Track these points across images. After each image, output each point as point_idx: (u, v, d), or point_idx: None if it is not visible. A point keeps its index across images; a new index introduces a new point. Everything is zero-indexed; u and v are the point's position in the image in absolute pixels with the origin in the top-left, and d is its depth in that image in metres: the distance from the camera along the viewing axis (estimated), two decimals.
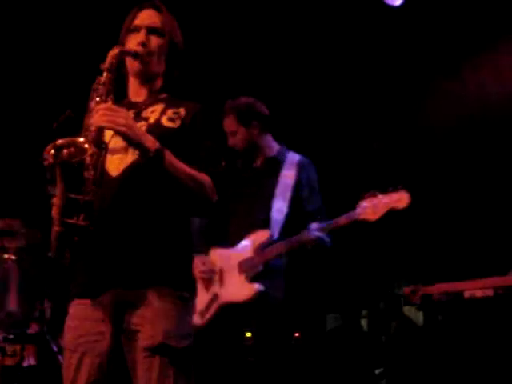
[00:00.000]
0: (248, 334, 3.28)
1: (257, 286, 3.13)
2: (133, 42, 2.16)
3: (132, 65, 2.17)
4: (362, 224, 3.03)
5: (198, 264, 3.32)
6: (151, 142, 1.94)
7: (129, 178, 2.02)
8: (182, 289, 2.01)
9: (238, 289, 3.20)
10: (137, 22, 2.21)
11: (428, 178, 4.95)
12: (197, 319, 3.23)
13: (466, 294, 2.59)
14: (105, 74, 2.03)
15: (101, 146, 1.96)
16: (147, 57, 2.14)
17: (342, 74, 5.21)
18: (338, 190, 4.75)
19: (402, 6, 4.63)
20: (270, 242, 3.21)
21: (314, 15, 4.88)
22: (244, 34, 4.89)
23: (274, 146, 3.44)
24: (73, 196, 1.87)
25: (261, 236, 3.23)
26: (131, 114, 2.11)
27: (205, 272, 3.32)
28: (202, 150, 2.11)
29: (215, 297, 3.28)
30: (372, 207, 2.93)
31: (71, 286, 2.08)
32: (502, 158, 4.57)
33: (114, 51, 2.07)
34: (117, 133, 1.93)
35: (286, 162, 3.35)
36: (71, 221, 1.86)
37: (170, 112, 2.14)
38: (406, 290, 2.80)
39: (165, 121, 2.12)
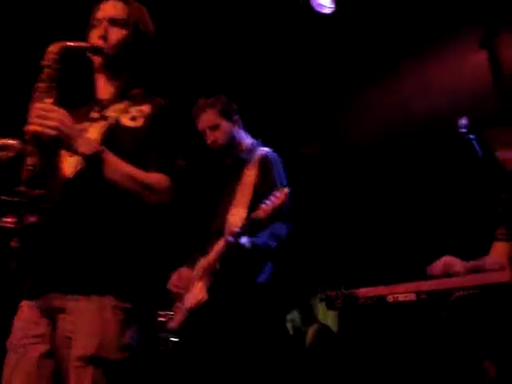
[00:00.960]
0: None
1: (204, 295, 3.10)
2: (94, 36, 2.09)
3: (95, 60, 2.10)
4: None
5: (174, 278, 3.33)
6: (86, 146, 1.85)
7: (78, 180, 1.96)
8: (126, 299, 1.93)
9: (193, 295, 3.18)
10: (99, 14, 2.13)
11: (351, 187, 5.03)
12: (172, 325, 3.26)
13: (390, 298, 2.61)
14: (45, 71, 1.94)
15: (41, 147, 1.85)
16: (108, 50, 2.06)
17: (268, 80, 5.23)
18: None
19: (331, 14, 4.68)
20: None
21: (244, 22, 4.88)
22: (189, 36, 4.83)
23: (247, 143, 3.44)
24: (4, 198, 1.81)
25: (220, 244, 3.15)
26: (96, 112, 2.05)
27: (177, 287, 3.28)
28: (161, 149, 2.04)
29: (182, 304, 3.26)
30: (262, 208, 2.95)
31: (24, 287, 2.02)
32: (425, 168, 4.70)
33: (54, 47, 1.97)
34: (47, 136, 1.83)
35: (250, 160, 3.31)
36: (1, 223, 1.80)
37: (133, 110, 2.08)
38: (329, 294, 2.81)
39: (126, 120, 2.06)
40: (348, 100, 5.07)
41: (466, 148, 2.75)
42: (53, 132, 1.82)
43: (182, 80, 4.84)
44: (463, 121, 2.78)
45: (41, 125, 1.82)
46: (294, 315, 5.90)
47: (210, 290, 3.15)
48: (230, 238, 3.00)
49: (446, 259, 2.77)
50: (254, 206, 3.13)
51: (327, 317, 5.77)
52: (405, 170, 4.77)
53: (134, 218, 2.01)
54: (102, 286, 1.91)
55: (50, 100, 1.90)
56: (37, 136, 1.84)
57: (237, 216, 3.15)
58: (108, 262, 1.93)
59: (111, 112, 2.09)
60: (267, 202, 2.96)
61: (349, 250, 5.08)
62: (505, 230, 3.14)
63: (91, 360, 1.83)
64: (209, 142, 3.41)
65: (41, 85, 1.92)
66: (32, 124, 1.83)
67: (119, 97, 2.14)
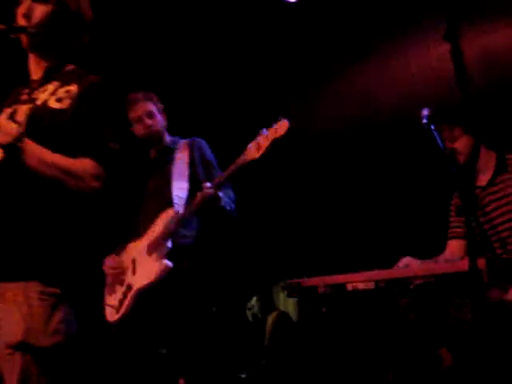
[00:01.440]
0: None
1: (165, 261, 3.08)
2: (18, 15, 2.01)
3: (23, 40, 2.02)
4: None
5: (107, 261, 3.34)
6: (2, 136, 1.78)
7: (0, 168, 1.90)
8: (53, 284, 1.89)
9: (149, 269, 3.14)
10: None
11: (315, 175, 5.05)
12: (110, 316, 3.22)
13: (349, 287, 2.64)
14: None
15: None
16: (32, 29, 1.97)
17: (232, 71, 5.21)
18: None
19: (297, 2, 4.67)
20: (178, 218, 3.17)
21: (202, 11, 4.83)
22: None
23: (169, 138, 3.57)
24: None
25: (166, 214, 3.22)
26: (25, 95, 1.99)
27: (113, 267, 3.26)
28: (90, 132, 1.96)
29: (129, 288, 3.21)
30: (256, 145, 2.91)
31: None
32: (389, 158, 4.74)
33: None
34: None
35: (177, 148, 3.45)
36: None
37: (61, 91, 2.00)
38: (290, 282, 2.82)
39: (52, 102, 1.98)
40: (314, 89, 5.06)
41: (429, 138, 2.78)
42: None
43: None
44: (425, 112, 2.81)
45: None
46: (253, 303, 5.93)
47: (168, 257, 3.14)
48: (210, 189, 2.98)
49: (406, 260, 2.82)
50: (193, 183, 3.24)
51: (288, 305, 5.80)
52: (369, 160, 4.80)
53: (58, 205, 1.95)
54: (27, 271, 1.87)
55: None
56: None
57: (180, 189, 3.24)
58: (32, 247, 1.89)
59: (41, 93, 2.02)
60: (263, 135, 2.89)
61: (310, 238, 5.11)
62: (460, 227, 3.21)
63: (19, 347, 1.80)
64: (146, 126, 3.45)
65: None
66: None
67: (49, 77, 2.06)
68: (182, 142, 3.49)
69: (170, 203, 3.23)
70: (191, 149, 3.42)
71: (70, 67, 2.12)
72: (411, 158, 4.46)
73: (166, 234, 3.15)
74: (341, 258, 4.58)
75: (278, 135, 2.87)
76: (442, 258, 3.18)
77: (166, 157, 3.45)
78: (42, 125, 1.93)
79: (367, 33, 4.61)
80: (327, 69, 4.92)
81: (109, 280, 3.35)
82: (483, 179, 3.16)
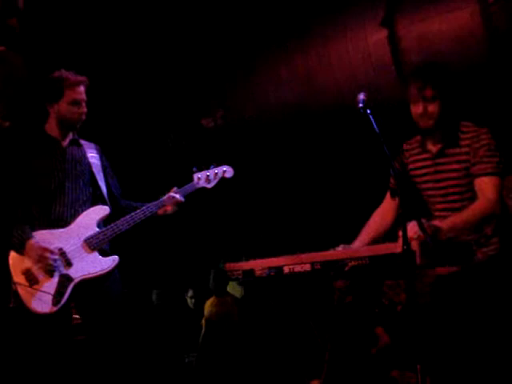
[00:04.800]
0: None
1: (115, 257, 3.30)
2: None
3: None
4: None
5: (37, 247, 3.21)
6: None
7: None
8: None
9: (95, 263, 3.25)
10: None
11: (253, 162, 5.06)
12: (48, 306, 3.14)
13: (286, 269, 2.66)
14: None
15: None
16: None
17: (169, 47, 5.15)
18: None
19: None
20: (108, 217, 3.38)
21: None
22: None
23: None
24: None
25: (101, 211, 3.37)
26: None
27: (41, 254, 3.20)
28: None
29: (66, 278, 3.19)
30: (206, 177, 3.58)
31: None
32: (327, 141, 4.79)
33: None
34: None
35: (83, 145, 3.52)
36: None
37: None
38: (228, 265, 2.83)
39: None
40: (249, 73, 5.05)
41: (365, 122, 2.81)
42: None
43: None
44: (361, 96, 2.83)
45: None
46: (191, 292, 6.03)
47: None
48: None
49: (342, 247, 2.86)
50: (107, 186, 3.54)
51: (235, 287, 5.84)
52: (307, 144, 4.84)
53: None
54: None
55: None
56: None
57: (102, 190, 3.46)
58: None
59: None
60: (213, 171, 3.62)
61: (248, 222, 5.13)
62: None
63: None
64: (83, 112, 3.44)
65: None
66: None
67: None
68: (86, 143, 3.55)
69: (98, 197, 3.43)
70: (100, 153, 3.59)
71: None
72: (349, 143, 4.52)
73: (113, 234, 3.33)
74: (277, 240, 4.62)
75: (226, 176, 3.62)
76: (376, 217, 3.24)
77: (78, 149, 3.50)
78: None
79: (308, 16, 4.62)
80: (266, 52, 4.91)
81: (28, 265, 3.23)
82: (434, 146, 3.14)
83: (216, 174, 3.61)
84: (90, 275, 3.23)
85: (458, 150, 3.04)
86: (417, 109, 3.05)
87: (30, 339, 3.22)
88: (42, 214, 3.31)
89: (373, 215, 3.30)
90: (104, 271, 3.25)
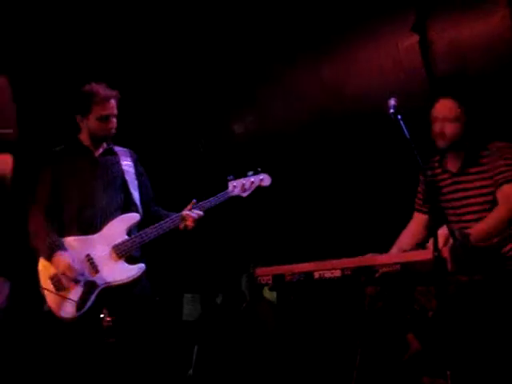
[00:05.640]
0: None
1: (143, 265, 3.32)
2: None
3: None
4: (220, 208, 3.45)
5: (66, 257, 3.27)
6: None
7: None
8: None
9: (122, 271, 3.28)
10: None
11: (282, 169, 5.07)
12: (72, 311, 3.21)
13: (316, 275, 2.68)
14: None
15: None
16: None
17: (194, 57, 5.18)
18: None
19: None
20: (138, 224, 3.43)
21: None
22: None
23: None
24: None
25: (131, 218, 3.41)
26: None
27: (69, 264, 3.25)
28: None
29: (92, 284, 3.25)
30: (242, 186, 3.50)
31: None
32: (356, 148, 4.78)
33: None
34: None
35: (118, 152, 3.58)
36: None
37: None
38: (258, 270, 2.86)
39: None
40: (280, 79, 5.06)
41: (396, 129, 2.81)
42: None
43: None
44: (392, 101, 2.84)
45: None
46: (221, 298, 6.01)
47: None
48: (201, 213, 3.41)
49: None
50: (141, 192, 3.56)
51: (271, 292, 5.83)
52: (336, 151, 4.83)
53: None
54: None
55: None
56: None
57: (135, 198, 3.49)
58: None
59: None
60: (249, 179, 3.56)
61: (278, 228, 5.14)
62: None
63: None
64: (113, 127, 3.50)
65: None
66: None
67: None
68: (121, 150, 3.60)
69: (127, 205, 3.46)
70: (135, 160, 3.62)
71: None
72: (378, 150, 4.50)
73: (136, 242, 3.35)
74: (308, 246, 4.62)
75: (263, 185, 3.57)
76: (405, 234, 3.24)
77: (111, 158, 3.55)
78: None
79: (334, 22, 4.61)
80: (293, 59, 4.92)
81: (58, 275, 3.29)
82: (454, 165, 3.14)
83: (252, 182, 3.53)
84: (116, 283, 3.27)
85: (479, 169, 3.05)
86: (435, 127, 3.07)
87: (59, 342, 3.28)
88: (74, 221, 3.38)
89: (403, 233, 3.32)
90: (129, 279, 3.27)
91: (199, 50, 5.14)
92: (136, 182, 3.53)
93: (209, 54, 5.16)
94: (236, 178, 3.53)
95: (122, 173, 3.51)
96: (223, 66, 5.22)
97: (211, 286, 6.00)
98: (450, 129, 3.04)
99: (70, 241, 3.33)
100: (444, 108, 3.05)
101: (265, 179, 3.57)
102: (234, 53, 5.12)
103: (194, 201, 3.43)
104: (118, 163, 3.53)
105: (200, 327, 5.68)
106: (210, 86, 5.33)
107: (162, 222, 3.38)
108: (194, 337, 5.49)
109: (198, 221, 3.40)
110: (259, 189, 3.55)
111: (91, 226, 3.37)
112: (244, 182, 3.52)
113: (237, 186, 3.51)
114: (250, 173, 3.56)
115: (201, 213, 3.39)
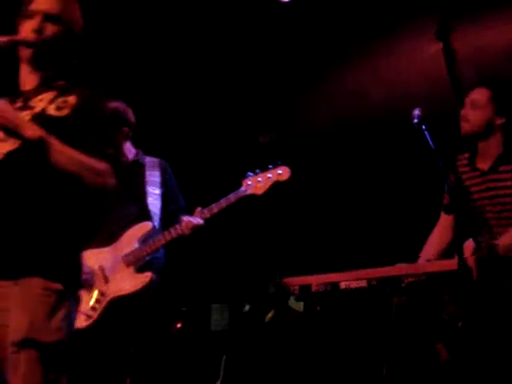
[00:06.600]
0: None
1: (150, 274, 3.22)
2: (26, 29, 2.08)
3: (24, 52, 2.09)
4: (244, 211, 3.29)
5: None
6: (32, 131, 1.88)
7: (10, 161, 1.96)
8: (55, 279, 1.92)
9: (129, 281, 3.25)
10: (33, 6, 2.11)
11: (305, 178, 5.07)
12: (81, 321, 3.23)
13: (342, 285, 2.68)
14: None
15: None
16: (41, 45, 2.06)
17: (224, 68, 5.22)
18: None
19: (288, 2, 4.67)
20: (152, 233, 3.36)
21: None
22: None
23: (132, 151, 3.62)
24: None
25: (143, 227, 3.37)
26: (19, 103, 2.05)
27: (84, 272, 3.29)
28: (90, 138, 2.05)
29: (102, 295, 3.27)
30: (257, 182, 3.21)
31: None
32: (380, 157, 4.77)
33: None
34: None
35: (146, 164, 3.56)
36: None
37: (59, 101, 2.08)
38: (285, 280, 2.87)
39: (51, 110, 2.06)
40: (304, 90, 5.08)
41: (420, 138, 2.80)
42: None
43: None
44: (416, 111, 2.83)
45: None
46: (248, 307, 6.00)
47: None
48: (202, 222, 3.23)
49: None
50: (164, 201, 3.46)
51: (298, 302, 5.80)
52: (360, 160, 4.83)
53: (66, 200, 2.01)
54: (30, 268, 1.90)
55: None
56: None
57: (154, 206, 3.42)
58: (35, 243, 1.92)
59: (37, 102, 2.10)
60: (265, 174, 3.24)
61: (305, 238, 5.14)
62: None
63: (24, 343, 1.81)
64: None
65: None
66: None
67: (44, 87, 2.14)
68: (151, 161, 3.59)
69: (143, 215, 3.40)
70: (163, 170, 3.54)
71: (61, 82, 2.19)
72: (403, 159, 4.49)
73: (145, 250, 3.29)
74: (334, 256, 4.61)
75: (281, 179, 3.21)
76: (432, 240, 3.21)
77: (136, 169, 3.54)
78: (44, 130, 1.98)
79: (360, 31, 4.63)
80: (318, 69, 4.94)
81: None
82: (485, 164, 3.11)
83: (268, 178, 3.20)
84: (123, 292, 3.25)
85: (510, 167, 3.02)
86: (463, 110, 3.05)
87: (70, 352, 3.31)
88: (97, 233, 3.42)
89: (430, 236, 3.29)
90: (137, 288, 3.22)
91: (226, 65, 5.19)
92: (159, 191, 3.48)
93: (235, 70, 5.20)
94: (254, 174, 3.26)
95: (142, 184, 3.50)
96: (251, 78, 5.25)
97: (239, 296, 6.01)
98: (474, 114, 3.03)
99: (88, 253, 3.35)
100: (476, 93, 3.06)
101: (283, 173, 3.21)
102: (259, 68, 5.17)
103: (199, 209, 3.30)
104: (143, 175, 3.54)
105: (228, 337, 5.69)
106: (239, 98, 5.37)
107: (172, 228, 3.32)
108: (222, 347, 5.50)
109: (198, 228, 3.24)
110: (281, 196, 3.41)
111: (112, 237, 3.41)
112: (259, 178, 3.22)
113: (250, 184, 3.22)
114: (270, 166, 3.26)
115: (201, 221, 3.24)
